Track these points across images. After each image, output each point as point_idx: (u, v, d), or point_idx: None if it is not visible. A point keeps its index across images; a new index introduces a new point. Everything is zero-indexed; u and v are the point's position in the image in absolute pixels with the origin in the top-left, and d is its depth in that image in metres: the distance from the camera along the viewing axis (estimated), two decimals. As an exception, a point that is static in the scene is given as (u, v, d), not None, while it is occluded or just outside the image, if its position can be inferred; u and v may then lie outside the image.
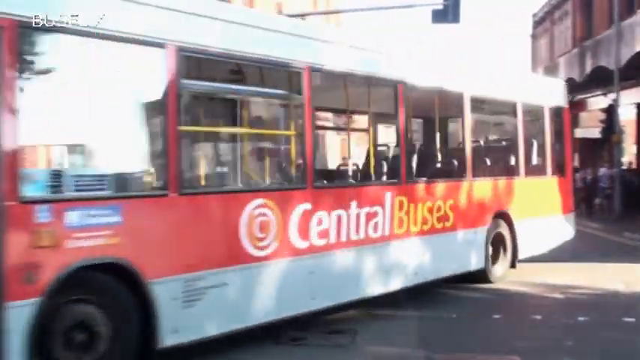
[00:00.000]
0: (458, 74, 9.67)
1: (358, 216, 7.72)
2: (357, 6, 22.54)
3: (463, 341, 7.21)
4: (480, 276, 9.86)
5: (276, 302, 6.71)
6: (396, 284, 8.27)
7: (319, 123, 10.09)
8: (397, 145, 8.75)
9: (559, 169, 11.90)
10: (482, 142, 10.87)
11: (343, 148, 13.92)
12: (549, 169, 11.57)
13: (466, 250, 9.53)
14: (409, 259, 8.48)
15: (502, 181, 10.40)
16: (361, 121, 10.80)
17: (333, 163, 13.79)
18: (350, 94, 8.41)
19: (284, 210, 6.82)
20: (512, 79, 11.29)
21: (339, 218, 7.47)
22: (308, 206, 7.08)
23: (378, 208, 8.00)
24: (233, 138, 7.83)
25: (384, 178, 8.82)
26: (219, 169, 8.02)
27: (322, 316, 7.63)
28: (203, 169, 7.38)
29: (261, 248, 6.59)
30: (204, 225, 6.15)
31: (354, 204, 7.67)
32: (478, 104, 9.94)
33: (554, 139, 11.72)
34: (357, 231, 7.71)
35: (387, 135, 10.47)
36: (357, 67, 7.92)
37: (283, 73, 7.17)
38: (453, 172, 9.59)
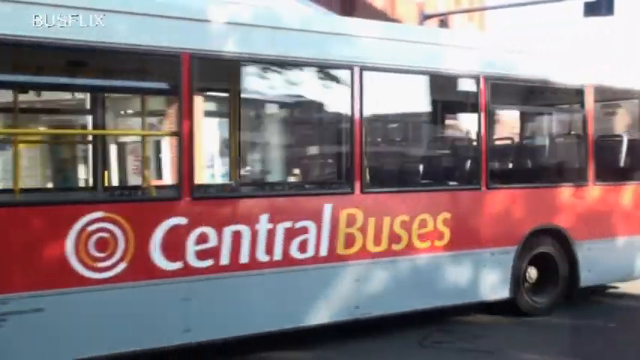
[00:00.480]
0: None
1: (269, 232, 6.19)
2: (505, 2, 21.72)
3: (627, 354, 6.70)
4: (510, 307, 7.87)
5: (121, 333, 5.51)
6: (318, 318, 6.50)
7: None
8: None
9: None
10: (512, 140, 9.79)
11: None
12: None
13: (473, 276, 7.49)
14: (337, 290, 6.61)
15: (548, 189, 8.21)
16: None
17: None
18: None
19: (140, 226, 5.59)
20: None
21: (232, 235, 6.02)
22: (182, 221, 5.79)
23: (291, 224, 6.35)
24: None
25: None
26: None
27: (466, 318, 7.52)
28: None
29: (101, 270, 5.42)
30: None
31: (262, 218, 6.16)
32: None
33: None
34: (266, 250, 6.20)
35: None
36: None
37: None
38: (444, 178, 8.14)
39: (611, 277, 8.83)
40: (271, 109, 9.75)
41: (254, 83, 7.22)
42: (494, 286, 7.61)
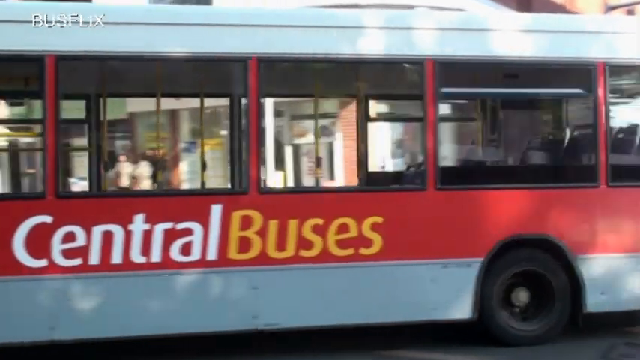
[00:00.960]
0: None
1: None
2: None
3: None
4: (483, 331, 6.64)
5: None
6: (210, 325, 6.14)
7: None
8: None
9: None
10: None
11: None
12: None
13: (417, 291, 6.47)
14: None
15: (532, 191, 6.89)
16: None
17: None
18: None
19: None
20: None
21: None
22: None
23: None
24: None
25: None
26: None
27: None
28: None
29: None
30: None
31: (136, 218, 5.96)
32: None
33: None
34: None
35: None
36: None
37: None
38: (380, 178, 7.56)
39: (637, 302, 6.92)
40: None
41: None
42: (448, 304, 6.45)
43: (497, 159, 8.55)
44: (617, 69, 6.94)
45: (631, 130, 7.58)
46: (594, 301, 6.61)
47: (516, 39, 6.72)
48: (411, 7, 13.49)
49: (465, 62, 6.58)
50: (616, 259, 6.75)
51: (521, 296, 6.67)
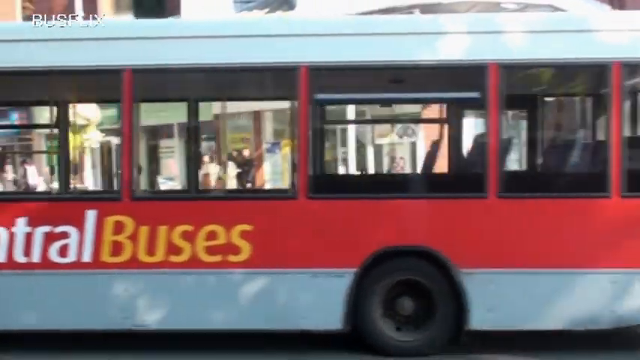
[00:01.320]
0: None
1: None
2: None
3: None
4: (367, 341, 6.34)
5: None
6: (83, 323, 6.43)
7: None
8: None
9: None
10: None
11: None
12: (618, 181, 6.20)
13: (285, 300, 6.30)
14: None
15: (410, 201, 6.49)
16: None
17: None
18: None
19: None
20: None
21: None
22: None
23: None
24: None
25: None
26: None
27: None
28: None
29: None
30: None
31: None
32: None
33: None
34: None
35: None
36: None
37: None
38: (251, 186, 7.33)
39: (527, 321, 6.34)
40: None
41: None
42: (317, 314, 6.27)
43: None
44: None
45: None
46: (479, 318, 6.18)
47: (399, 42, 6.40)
48: (497, 4, 12.88)
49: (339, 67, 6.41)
50: (506, 274, 6.20)
51: (406, 306, 6.34)
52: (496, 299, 6.20)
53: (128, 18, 20.73)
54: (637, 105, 7.24)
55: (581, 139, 7.68)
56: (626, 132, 6.52)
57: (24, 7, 25.19)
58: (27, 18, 24.99)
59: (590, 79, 7.03)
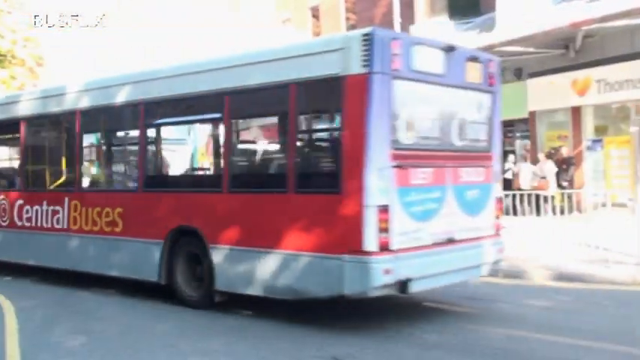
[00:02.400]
0: None
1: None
2: None
3: None
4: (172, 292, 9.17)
5: None
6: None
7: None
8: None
9: (325, 181, 7.79)
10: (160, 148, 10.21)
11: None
12: (294, 179, 7.77)
13: (137, 259, 9.54)
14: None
15: (190, 194, 9.32)
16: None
17: None
18: None
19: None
20: None
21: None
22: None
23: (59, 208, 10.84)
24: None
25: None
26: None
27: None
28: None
29: None
30: None
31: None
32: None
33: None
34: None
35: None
36: None
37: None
38: (121, 181, 10.94)
39: (257, 288, 8.09)
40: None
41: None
42: (147, 270, 9.28)
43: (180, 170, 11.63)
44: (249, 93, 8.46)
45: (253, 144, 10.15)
46: (221, 283, 8.43)
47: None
48: None
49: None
50: (234, 250, 8.30)
51: (190, 271, 8.97)
52: (230, 269, 8.36)
53: (443, 20, 21.18)
54: (311, 121, 8.76)
55: (276, 147, 9.54)
56: (298, 143, 8.13)
57: (347, 18, 27.20)
58: (350, 27, 26.97)
59: (279, 98, 8.13)
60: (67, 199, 10.67)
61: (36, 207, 11.24)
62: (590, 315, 8.31)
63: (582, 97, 17.09)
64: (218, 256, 8.40)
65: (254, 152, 9.72)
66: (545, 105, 18.12)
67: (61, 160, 11.27)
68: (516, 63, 18.09)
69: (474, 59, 8.28)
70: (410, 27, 21.06)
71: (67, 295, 10.30)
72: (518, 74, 18.34)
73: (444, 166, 7.83)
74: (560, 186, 16.44)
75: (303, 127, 8.53)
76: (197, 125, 10.65)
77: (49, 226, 10.94)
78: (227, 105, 8.57)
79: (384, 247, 7.04)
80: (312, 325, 7.85)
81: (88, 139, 11.42)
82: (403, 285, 7.20)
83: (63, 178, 11.16)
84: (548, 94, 17.55)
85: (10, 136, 12.59)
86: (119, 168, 11.01)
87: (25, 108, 11.79)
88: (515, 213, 13.68)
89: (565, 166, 17.14)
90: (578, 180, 17.31)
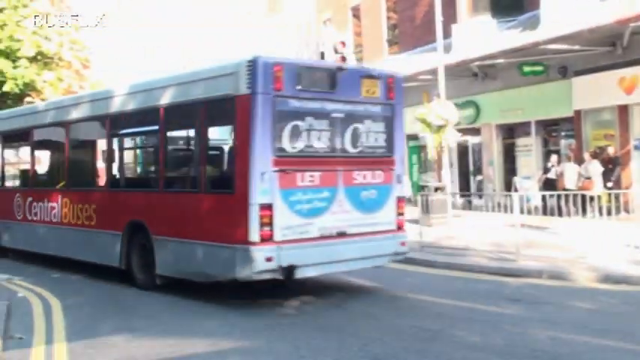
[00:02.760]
0: None
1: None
2: None
3: None
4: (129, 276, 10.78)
5: None
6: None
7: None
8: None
9: (225, 183, 9.26)
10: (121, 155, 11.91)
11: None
12: (203, 181, 9.55)
13: (105, 247, 11.13)
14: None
15: (138, 193, 11.19)
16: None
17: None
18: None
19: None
20: None
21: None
22: None
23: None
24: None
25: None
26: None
27: None
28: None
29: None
30: None
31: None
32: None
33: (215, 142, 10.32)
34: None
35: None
36: None
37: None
38: (93, 182, 12.10)
39: (183, 273, 9.76)
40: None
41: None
42: (111, 257, 10.88)
43: (134, 172, 13.06)
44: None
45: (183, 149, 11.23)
46: (160, 268, 9.95)
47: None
48: None
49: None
50: (172, 241, 9.75)
51: (142, 257, 10.36)
52: (166, 256, 9.89)
53: (486, 19, 20.94)
54: (215, 133, 10.39)
55: (194, 154, 10.21)
56: (206, 151, 9.83)
57: (388, 17, 27.11)
58: (391, 27, 26.87)
59: (195, 114, 9.70)
60: (59, 197, 12.64)
61: (37, 203, 13.46)
62: (636, 318, 8.13)
63: (630, 95, 16.67)
64: (158, 245, 9.98)
65: (180, 157, 11.03)
66: (591, 104, 17.76)
67: (55, 165, 13.80)
68: (561, 61, 17.79)
69: (370, 77, 9.67)
70: (452, 26, 20.88)
71: (112, 292, 10.51)
72: (563, 72, 18.02)
73: (335, 170, 9.11)
74: (605, 186, 16.09)
75: (210, 138, 9.94)
76: (143, 135, 11.93)
77: (47, 219, 13.07)
78: (162, 118, 10.21)
79: (267, 239, 8.44)
80: (353, 324, 7.87)
81: (71, 147, 12.81)
82: (288, 271, 8.58)
83: (56, 180, 13.29)
84: (594, 92, 17.21)
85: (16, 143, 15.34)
86: (95, 170, 12.18)
87: (14, 124, 14.69)
88: (560, 214, 13.48)
89: (611, 165, 16.75)
90: (626, 180, 16.91)
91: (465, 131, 20.17)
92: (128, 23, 42.21)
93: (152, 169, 11.56)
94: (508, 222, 12.63)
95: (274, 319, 8.33)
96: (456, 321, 7.96)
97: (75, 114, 12.41)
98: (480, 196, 20.36)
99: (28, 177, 14.32)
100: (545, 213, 16.32)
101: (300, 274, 8.75)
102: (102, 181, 11.83)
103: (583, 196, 12.56)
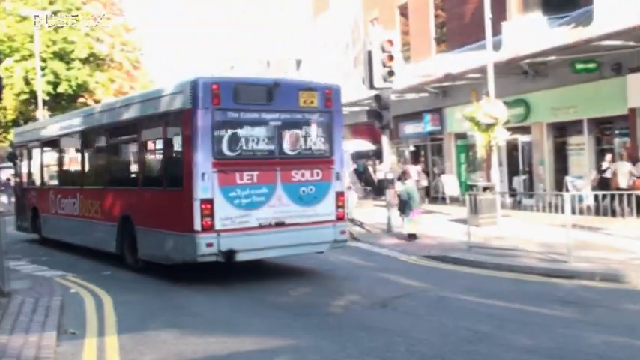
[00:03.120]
0: None
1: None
2: None
3: None
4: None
5: None
6: None
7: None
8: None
9: (177, 182, 10.90)
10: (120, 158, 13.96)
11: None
12: (165, 181, 11.59)
13: (103, 236, 13.41)
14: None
15: (127, 191, 13.03)
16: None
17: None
18: None
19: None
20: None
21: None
22: None
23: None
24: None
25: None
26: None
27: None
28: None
29: None
30: None
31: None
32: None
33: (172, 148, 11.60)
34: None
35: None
36: None
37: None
38: (99, 182, 13.91)
39: (155, 257, 11.70)
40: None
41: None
42: (110, 244, 12.99)
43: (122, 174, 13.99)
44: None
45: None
46: (142, 253, 11.91)
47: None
48: None
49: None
50: (147, 231, 11.71)
51: (133, 244, 12.22)
52: (146, 244, 11.79)
53: (536, 17, 20.57)
54: (173, 141, 11.64)
55: (160, 157, 12.36)
56: (168, 154, 11.76)
57: (436, 16, 26.86)
58: (439, 25, 26.63)
59: (160, 124, 11.74)
60: (77, 194, 14.92)
61: (65, 199, 15.75)
62: (695, 322, 7.87)
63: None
64: (139, 234, 11.91)
65: (151, 160, 12.79)
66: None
67: (74, 166, 16.15)
68: (615, 58, 17.32)
69: (307, 89, 11.26)
70: (502, 23, 20.56)
71: (160, 290, 10.67)
72: (617, 69, 17.54)
73: (273, 170, 10.75)
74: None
75: (171, 144, 11.56)
76: (130, 142, 13.40)
77: (68, 213, 15.42)
78: (138, 128, 12.33)
79: (208, 228, 10.19)
80: (399, 324, 7.82)
81: (83, 153, 15.19)
82: (227, 254, 10.31)
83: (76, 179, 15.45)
84: (650, 89, 16.72)
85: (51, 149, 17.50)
86: (100, 171, 14.16)
87: (48, 132, 17.41)
88: (613, 214, 13.15)
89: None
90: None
91: (514, 130, 19.84)
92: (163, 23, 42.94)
93: (134, 170, 13.25)
94: (559, 222, 12.37)
95: (321, 317, 8.33)
96: (505, 322, 7.82)
97: (81, 127, 14.96)
98: (531, 196, 20.01)
99: (56, 177, 16.86)
100: (597, 213, 15.96)
101: (240, 257, 10.42)
102: (103, 181, 13.72)
103: (637, 197, 12.22)
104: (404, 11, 29.05)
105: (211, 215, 10.13)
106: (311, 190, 11.06)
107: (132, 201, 12.40)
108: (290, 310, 8.80)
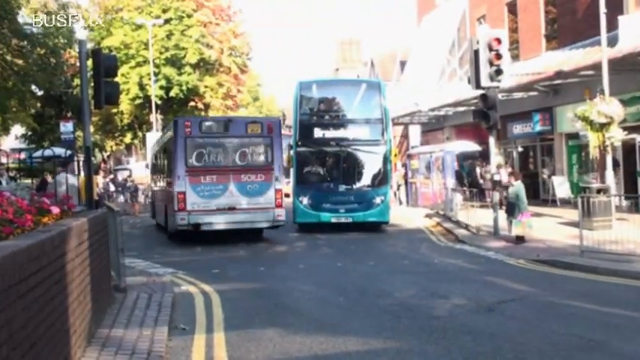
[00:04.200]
0: None
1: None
2: None
3: None
4: None
5: None
6: None
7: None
8: None
9: (171, 181, 18.18)
10: None
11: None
12: (167, 181, 19.50)
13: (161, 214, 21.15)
14: None
15: (163, 189, 20.88)
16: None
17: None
18: None
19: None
20: None
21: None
22: None
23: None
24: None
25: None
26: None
27: None
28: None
29: None
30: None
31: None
32: None
33: None
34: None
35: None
36: None
37: None
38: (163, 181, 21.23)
39: (169, 227, 18.39)
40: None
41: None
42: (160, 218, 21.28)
43: None
44: None
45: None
46: (168, 226, 18.64)
47: None
48: None
49: None
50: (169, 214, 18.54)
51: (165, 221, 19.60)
52: (168, 219, 18.39)
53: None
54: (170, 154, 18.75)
55: (168, 167, 19.53)
56: (167, 162, 19.57)
57: (547, 12, 25.97)
58: (550, 21, 25.69)
59: (167, 145, 19.42)
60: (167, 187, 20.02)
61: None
62: None
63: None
64: (168, 215, 18.27)
65: (166, 168, 19.57)
66: None
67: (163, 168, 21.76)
68: None
69: (253, 122, 18.08)
70: (618, 18, 19.61)
71: (265, 290, 10.83)
72: None
73: (228, 174, 16.93)
74: None
75: (170, 156, 18.22)
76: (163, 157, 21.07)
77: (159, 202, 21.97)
78: (165, 147, 19.70)
79: (182, 209, 16.73)
80: (506, 330, 7.59)
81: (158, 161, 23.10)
82: (195, 226, 16.77)
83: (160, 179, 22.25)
84: None
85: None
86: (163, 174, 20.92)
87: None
88: None
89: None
90: None
91: (631, 129, 18.86)
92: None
93: (163, 174, 20.34)
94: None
95: (425, 320, 8.21)
96: (623, 331, 7.44)
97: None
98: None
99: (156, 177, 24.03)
100: None
101: (203, 228, 16.84)
102: (163, 181, 20.43)
103: None
104: (512, 8, 28.26)
105: (185, 201, 16.67)
106: (255, 187, 17.07)
107: (165, 193, 19.31)
108: (394, 312, 8.73)
